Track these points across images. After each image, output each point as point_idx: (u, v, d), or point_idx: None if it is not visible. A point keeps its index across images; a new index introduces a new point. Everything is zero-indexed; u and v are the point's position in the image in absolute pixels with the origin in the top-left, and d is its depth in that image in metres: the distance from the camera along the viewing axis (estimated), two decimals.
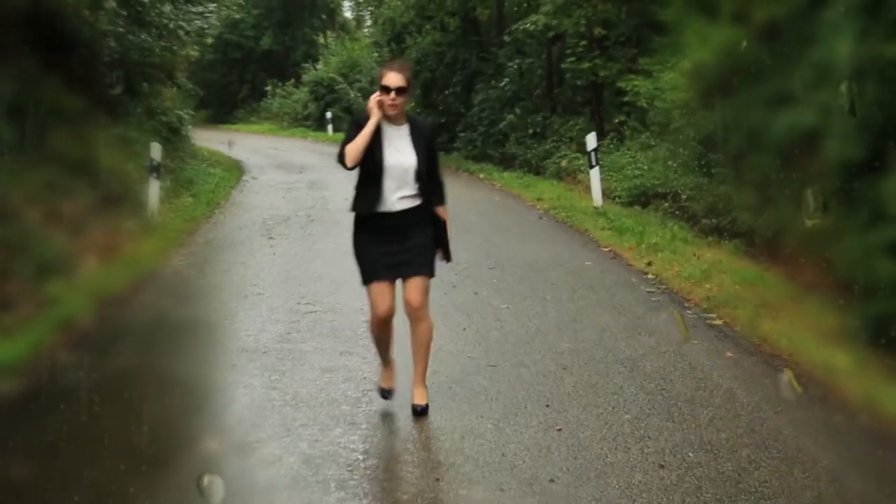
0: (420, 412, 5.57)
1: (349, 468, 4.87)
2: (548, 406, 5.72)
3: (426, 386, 5.66)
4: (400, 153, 5.42)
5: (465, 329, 7.56)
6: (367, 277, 5.52)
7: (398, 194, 5.41)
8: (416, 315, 5.49)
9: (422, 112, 27.90)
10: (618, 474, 4.71)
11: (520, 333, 7.43)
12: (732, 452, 4.98)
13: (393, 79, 5.38)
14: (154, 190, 13.80)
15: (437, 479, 4.71)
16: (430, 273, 5.53)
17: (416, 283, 5.46)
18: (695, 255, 10.13)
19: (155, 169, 13.86)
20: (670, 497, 4.44)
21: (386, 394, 5.79)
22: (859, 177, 6.67)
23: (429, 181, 5.48)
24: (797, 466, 4.80)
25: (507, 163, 21.23)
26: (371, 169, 5.41)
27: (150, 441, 5.37)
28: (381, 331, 5.62)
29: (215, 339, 7.51)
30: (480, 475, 4.75)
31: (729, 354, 6.75)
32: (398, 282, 5.55)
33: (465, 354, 6.85)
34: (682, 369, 6.43)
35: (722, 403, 5.76)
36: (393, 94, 5.36)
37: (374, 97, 5.42)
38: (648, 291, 8.82)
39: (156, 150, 14.07)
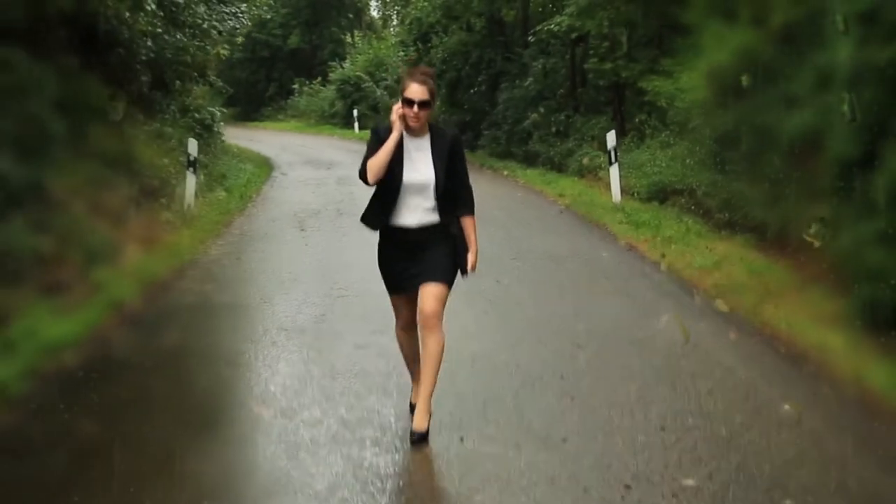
0: (417, 440, 5.23)
1: (382, 429, 5.43)
2: (562, 378, 6.27)
3: (430, 411, 5.33)
4: (418, 171, 5.20)
5: (487, 313, 8.11)
6: (390, 290, 5.45)
7: (415, 210, 5.23)
8: (428, 324, 5.19)
9: (447, 111, 28.55)
10: (623, 435, 5.26)
11: (538, 317, 7.99)
12: (727, 418, 5.53)
13: (416, 91, 5.12)
14: (191, 184, 14.42)
15: (461, 438, 5.27)
16: (444, 280, 5.25)
17: (428, 289, 5.21)
18: (707, 247, 10.63)
19: (192, 164, 14.49)
20: (669, 454, 4.99)
21: (414, 408, 5.46)
22: (854, 173, 7.20)
23: (453, 193, 5.27)
24: (784, 429, 5.35)
25: (530, 160, 21.71)
26: (389, 184, 5.20)
27: (202, 406, 5.98)
28: (406, 340, 5.52)
29: (256, 319, 8.09)
30: (500, 435, 5.31)
31: (732, 336, 7.29)
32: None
33: (487, 335, 7.41)
34: (688, 349, 6.97)
35: (721, 377, 6.31)
36: (416, 108, 5.11)
37: (397, 109, 5.17)
38: (660, 280, 9.37)
39: (192, 146, 14.70)
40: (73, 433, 5.48)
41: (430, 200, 5.22)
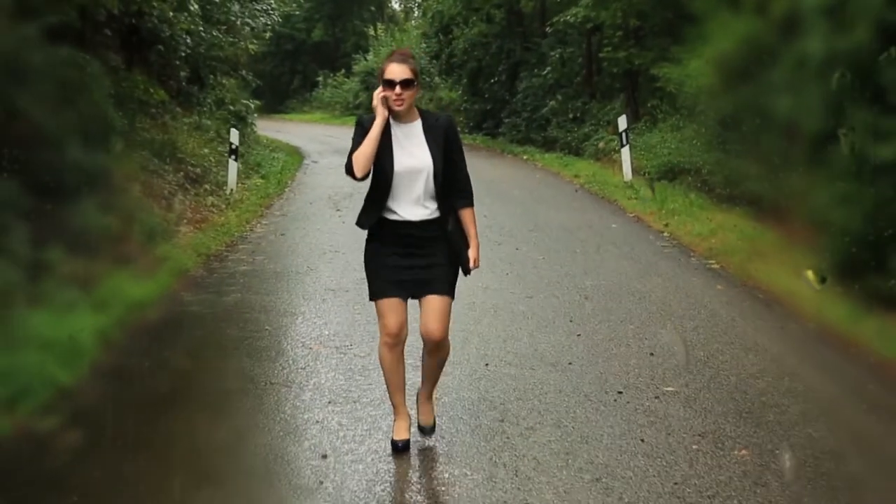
0: (427, 431, 5.14)
1: (420, 358, 6.57)
2: (571, 321, 7.41)
3: (434, 404, 5.22)
4: (412, 156, 4.76)
5: (507, 274, 9.24)
6: (377, 293, 4.92)
7: (413, 202, 4.76)
8: (437, 343, 4.92)
9: (469, 100, 29.67)
10: (619, 360, 6.41)
11: (552, 276, 9.11)
12: (706, 346, 6.67)
13: (396, 70, 4.70)
14: (233, 170, 15.61)
15: (486, 364, 6.42)
16: (449, 292, 4.88)
17: (435, 304, 4.83)
18: (708, 218, 11.73)
19: (233, 152, 15.67)
20: (654, 371, 6.13)
21: (398, 445, 5.00)
22: (821, 146, 8.30)
23: (450, 182, 4.82)
24: (751, 353, 6.49)
25: (548, 146, 22.78)
26: (380, 176, 4.76)
27: (269, 346, 7.15)
28: (391, 357, 5.01)
29: (305, 282, 9.25)
30: (517, 361, 6.45)
31: (719, 287, 8.43)
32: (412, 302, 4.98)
33: (507, 290, 8.54)
34: (680, 297, 8.10)
35: (705, 317, 7.45)
36: (398, 89, 4.68)
37: (378, 93, 4.74)
38: (662, 245, 10.50)
39: (234, 136, 15.90)
40: (164, 367, 6.66)
41: (428, 190, 4.77)
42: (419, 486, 4.63)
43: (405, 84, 4.71)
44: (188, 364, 6.68)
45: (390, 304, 4.89)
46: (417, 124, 4.83)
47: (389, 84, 4.72)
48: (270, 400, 5.86)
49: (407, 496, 4.52)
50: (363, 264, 5.02)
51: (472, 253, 4.91)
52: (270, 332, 7.54)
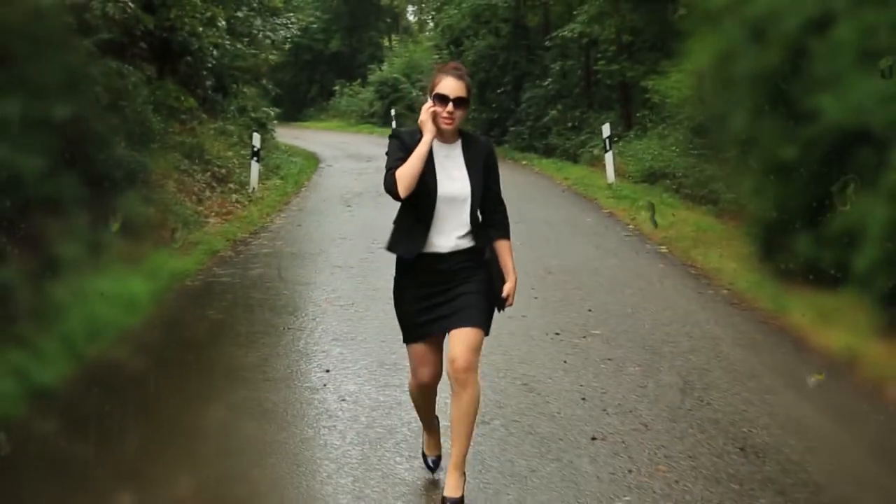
0: None
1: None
2: (532, 289, 9.06)
3: (465, 473, 4.51)
4: (454, 180, 4.42)
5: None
6: (409, 336, 4.59)
7: (450, 231, 4.42)
8: (460, 378, 4.34)
9: (478, 109, 31.24)
10: (563, 314, 8.11)
11: (526, 258, 10.70)
12: (635, 305, 8.39)
13: (452, 86, 4.36)
14: (255, 171, 17.36)
15: None
16: (481, 324, 4.43)
17: (463, 336, 4.36)
18: (672, 214, 13.37)
19: (255, 154, 17.42)
20: (588, 321, 7.83)
21: (432, 463, 4.92)
22: (744, 147, 9.97)
23: (485, 211, 4.55)
24: (668, 310, 8.18)
25: (549, 153, 24.31)
26: (423, 199, 4.39)
27: (288, 304, 8.85)
28: (423, 397, 4.77)
29: (317, 261, 10.96)
30: None
31: (661, 265, 10.13)
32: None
33: None
34: (628, 272, 9.79)
35: (643, 286, 9.15)
36: (450, 106, 4.35)
37: (427, 108, 4.38)
38: (625, 235, 12.18)
39: (256, 139, 17.65)
40: (203, 317, 8.39)
41: (463, 219, 4.42)
42: (402, 389, 6.27)
43: (459, 102, 4.37)
44: (223, 316, 8.43)
45: (422, 350, 4.57)
46: (458, 146, 4.49)
47: (442, 100, 4.36)
48: (288, 338, 7.58)
49: (387, 392, 6.17)
50: (392, 302, 4.63)
51: (507, 287, 4.54)
52: (288, 295, 9.26)
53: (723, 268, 9.49)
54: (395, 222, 4.55)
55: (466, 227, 4.42)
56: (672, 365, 6.59)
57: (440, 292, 4.43)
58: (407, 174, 4.30)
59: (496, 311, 4.56)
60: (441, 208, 4.38)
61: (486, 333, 4.47)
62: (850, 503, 4.55)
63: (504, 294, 4.52)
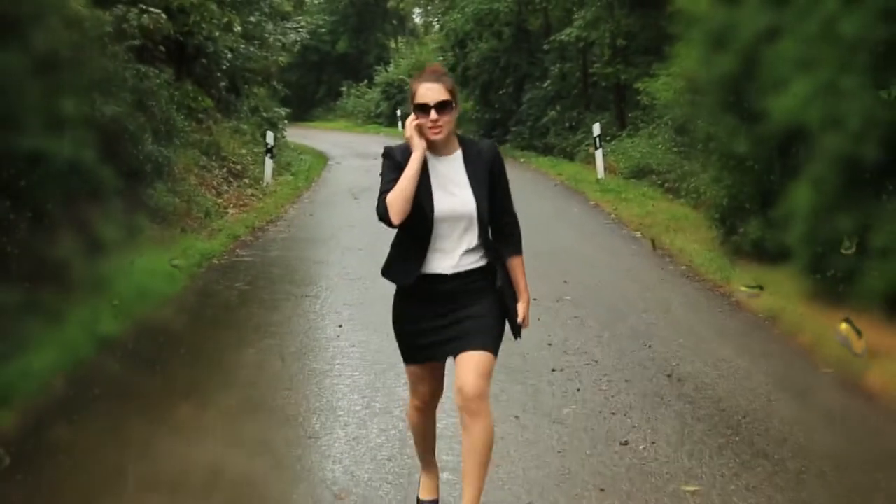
0: None
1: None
2: None
3: None
4: (453, 195, 4.02)
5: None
6: (410, 358, 4.23)
7: (453, 251, 4.05)
8: (471, 407, 3.94)
9: (480, 110, 32.48)
10: (541, 284, 9.25)
11: None
12: (605, 278, 9.74)
13: (429, 92, 3.96)
14: (269, 166, 18.69)
15: None
16: (491, 347, 4.03)
17: (473, 361, 3.97)
18: (652, 204, 14.66)
19: (269, 150, 18.75)
20: (562, 290, 9.12)
21: None
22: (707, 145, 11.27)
23: (495, 224, 4.15)
24: (635, 283, 9.48)
25: (548, 151, 25.50)
26: (418, 221, 4.01)
27: (305, 278, 10.17)
28: (422, 423, 4.36)
29: (329, 244, 12.28)
30: None
31: (633, 247, 11.44)
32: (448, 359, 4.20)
33: None
34: (602, 254, 11.13)
35: (613, 263, 10.52)
36: (433, 114, 3.94)
37: (410, 121, 3.99)
38: (606, 222, 13.51)
39: (270, 137, 18.99)
40: (232, 288, 9.72)
41: (470, 236, 4.05)
42: None
43: (441, 107, 3.95)
44: (249, 287, 9.78)
45: (422, 371, 4.24)
46: (458, 156, 4.07)
47: (423, 109, 3.96)
48: (306, 303, 8.91)
49: (390, 340, 7.44)
50: (391, 324, 4.31)
51: (520, 308, 4.20)
52: (304, 271, 10.60)
53: (686, 249, 10.78)
54: (392, 245, 4.25)
55: (474, 246, 4.05)
56: (626, 321, 7.90)
57: (446, 313, 4.04)
58: (398, 198, 3.92)
59: (514, 339, 4.21)
60: (441, 228, 4.00)
61: (495, 356, 4.05)
62: (741, 410, 5.80)
63: (519, 318, 4.17)
